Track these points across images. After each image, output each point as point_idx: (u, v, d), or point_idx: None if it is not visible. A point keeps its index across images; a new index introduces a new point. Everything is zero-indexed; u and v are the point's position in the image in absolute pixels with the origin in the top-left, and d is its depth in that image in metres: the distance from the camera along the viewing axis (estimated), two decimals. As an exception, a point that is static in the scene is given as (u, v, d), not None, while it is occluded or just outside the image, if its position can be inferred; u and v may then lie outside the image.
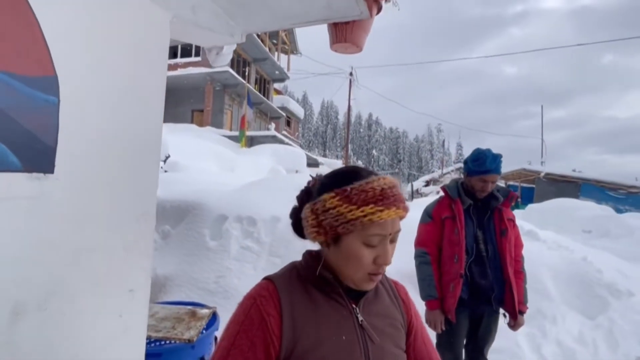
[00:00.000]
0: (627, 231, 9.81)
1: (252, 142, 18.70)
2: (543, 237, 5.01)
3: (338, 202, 0.76)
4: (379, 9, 2.02)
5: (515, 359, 2.99)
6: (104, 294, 1.32)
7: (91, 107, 1.26)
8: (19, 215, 1.05)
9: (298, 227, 0.87)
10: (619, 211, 13.52)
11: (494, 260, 2.19)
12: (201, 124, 19.88)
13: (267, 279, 0.84)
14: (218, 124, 20.52)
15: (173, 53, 20.57)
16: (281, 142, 20.02)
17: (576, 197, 16.75)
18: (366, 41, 2.24)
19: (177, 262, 3.71)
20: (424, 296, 2.23)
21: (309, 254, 0.87)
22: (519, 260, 2.30)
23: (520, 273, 2.28)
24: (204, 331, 1.96)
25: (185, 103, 20.97)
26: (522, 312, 2.22)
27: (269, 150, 15.76)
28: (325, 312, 0.79)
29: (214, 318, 2.11)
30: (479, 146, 2.34)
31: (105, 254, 1.33)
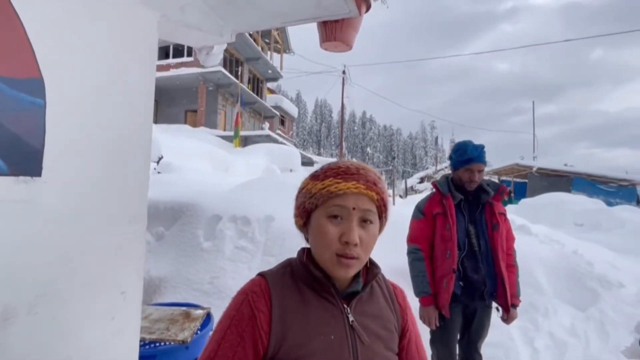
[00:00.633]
0: (618, 224, 9.98)
1: (246, 141, 18.67)
2: (535, 231, 5.05)
3: (307, 182, 0.85)
4: (368, 7, 2.02)
5: (509, 353, 3.01)
6: (95, 296, 1.31)
7: (79, 108, 1.25)
8: (7, 220, 1.04)
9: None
10: (609, 204, 13.70)
11: (486, 254, 2.20)
12: (195, 124, 19.80)
13: (261, 275, 0.85)
14: (212, 124, 20.45)
15: (165, 53, 20.46)
16: (275, 141, 20.00)
17: (568, 191, 16.94)
18: (356, 39, 2.24)
19: (171, 264, 3.70)
20: (418, 292, 2.23)
21: (302, 252, 0.87)
22: (510, 254, 2.32)
23: (512, 267, 2.30)
24: (198, 332, 1.96)
25: (178, 103, 20.87)
26: (514, 306, 2.23)
27: (263, 150, 15.73)
28: (316, 310, 0.79)
29: (208, 319, 2.11)
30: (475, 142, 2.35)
31: (95, 256, 1.32)
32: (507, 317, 2.23)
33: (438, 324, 2.19)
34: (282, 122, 32.62)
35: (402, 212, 4.63)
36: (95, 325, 1.32)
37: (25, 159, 1.07)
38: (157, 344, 1.84)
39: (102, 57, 1.34)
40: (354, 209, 0.78)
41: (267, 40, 26.53)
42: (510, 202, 17.07)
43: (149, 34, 1.59)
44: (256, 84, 26.29)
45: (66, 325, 1.20)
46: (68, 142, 1.20)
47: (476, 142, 2.32)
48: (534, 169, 19.96)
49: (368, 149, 79.20)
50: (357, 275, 0.84)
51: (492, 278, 2.19)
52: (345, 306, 0.81)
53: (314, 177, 0.84)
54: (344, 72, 23.92)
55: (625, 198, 18.95)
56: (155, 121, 18.10)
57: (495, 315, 2.30)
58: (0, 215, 1.02)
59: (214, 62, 2.45)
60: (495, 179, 21.47)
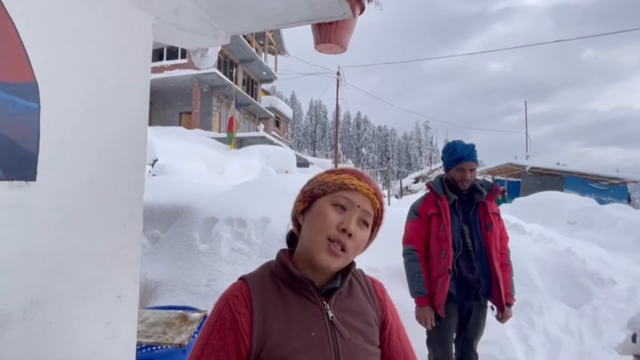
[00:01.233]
0: (610, 222, 10.14)
1: (241, 143, 18.63)
2: (529, 230, 5.09)
3: (322, 174, 0.91)
4: (362, 9, 2.03)
5: (504, 351, 3.03)
6: (90, 301, 1.31)
7: (73, 112, 1.24)
8: (1, 225, 1.03)
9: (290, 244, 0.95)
10: (601, 202, 13.90)
11: (480, 254, 2.22)
12: (189, 126, 19.74)
13: (241, 278, 0.87)
14: (207, 126, 20.39)
15: (159, 55, 20.38)
16: (270, 142, 19.97)
17: (561, 189, 17.11)
18: (350, 41, 2.25)
19: (167, 267, 3.68)
20: (413, 293, 2.25)
21: (282, 252, 0.89)
22: (504, 253, 2.34)
23: (506, 266, 2.32)
24: (195, 335, 1.95)
25: (172, 105, 20.79)
26: (509, 304, 2.25)
27: (258, 151, 15.73)
28: (296, 309, 0.81)
29: (205, 321, 2.10)
30: (465, 142, 2.37)
31: (91, 260, 1.32)
32: (502, 316, 2.25)
33: (434, 324, 2.20)
34: (277, 124, 32.60)
35: (397, 212, 4.66)
36: (91, 330, 1.31)
37: (19, 164, 1.07)
38: (154, 348, 1.83)
39: (96, 61, 1.33)
40: (358, 206, 0.84)
41: (261, 42, 26.51)
42: (504, 201, 17.20)
43: (143, 36, 1.58)
44: (251, 86, 26.26)
45: (62, 330, 1.19)
46: (62, 146, 1.20)
47: (470, 141, 2.35)
48: (527, 168, 20.17)
49: (363, 150, 79.33)
50: (335, 273, 0.87)
51: (487, 277, 2.21)
52: (325, 303, 0.84)
53: (330, 172, 0.91)
54: (338, 73, 23.96)
55: (616, 196, 19.20)
56: (150, 123, 18.02)
57: (491, 314, 2.31)
58: (-5, 220, 1.02)
59: (208, 65, 2.45)
60: (489, 179, 21.70)
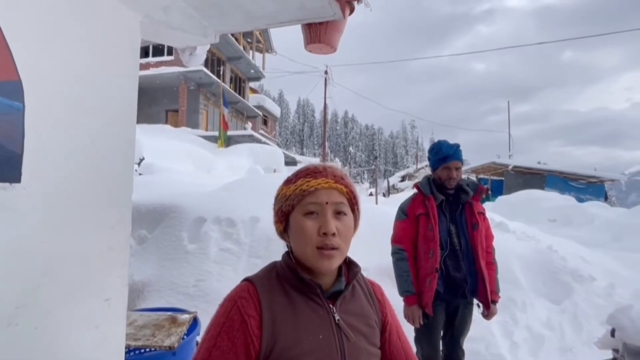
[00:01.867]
0: (588, 219, 10.51)
1: (229, 141, 18.46)
2: (512, 228, 5.20)
3: (282, 188, 0.91)
4: (352, 10, 2.03)
5: (489, 347, 3.09)
6: (78, 304, 1.28)
7: (59, 111, 1.21)
8: (-15, 228, 1.00)
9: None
10: (580, 200, 14.28)
11: (466, 253, 2.26)
12: (176, 124, 19.48)
13: (247, 280, 0.87)
14: (194, 124, 20.15)
15: (144, 52, 20.05)
16: (258, 141, 19.86)
17: (542, 188, 17.49)
18: (340, 41, 2.25)
19: (155, 268, 3.63)
20: (402, 292, 2.28)
21: (287, 255, 0.90)
22: (490, 251, 2.39)
23: (491, 264, 2.36)
24: (185, 337, 1.93)
25: (158, 103, 20.48)
26: (494, 302, 2.30)
27: (246, 150, 15.62)
28: (303, 312, 0.82)
29: (194, 323, 2.08)
30: (451, 141, 2.42)
31: (78, 263, 1.29)
32: (488, 313, 2.29)
33: (422, 322, 2.23)
34: (265, 122, 32.43)
35: (385, 211, 4.69)
36: (79, 334, 1.29)
37: (3, 165, 1.04)
38: (143, 351, 1.81)
39: (83, 59, 1.30)
40: (327, 203, 0.84)
41: (249, 40, 26.32)
42: (487, 199, 17.49)
43: (131, 34, 1.56)
44: (238, 84, 26.05)
45: (48, 335, 1.16)
46: (48, 146, 1.17)
47: (455, 141, 2.39)
48: (510, 167, 20.58)
49: (350, 149, 79.56)
50: (339, 275, 0.89)
51: (473, 275, 2.25)
52: (331, 306, 0.85)
53: (287, 182, 0.90)
54: (326, 72, 23.95)
55: (594, 194, 19.78)
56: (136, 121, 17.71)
57: (477, 311, 2.36)
58: (-22, 223, 0.99)
59: (197, 63, 2.42)
60: (473, 177, 22.09)
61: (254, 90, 31.87)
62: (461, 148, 2.35)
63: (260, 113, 29.36)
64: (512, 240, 4.73)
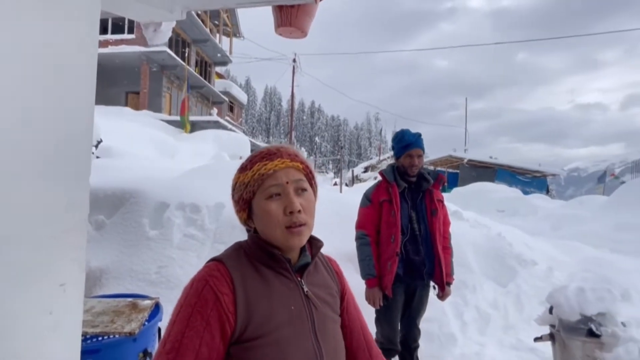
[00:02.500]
0: (532, 210, 11.49)
1: (194, 127, 17.92)
2: (466, 216, 5.48)
3: (237, 175, 0.91)
4: (325, -6, 2.02)
5: (442, 326, 3.29)
6: (29, 290, 1.20)
7: (10, 88, 1.12)
8: None
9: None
10: (525, 193, 15.36)
11: (425, 238, 2.37)
12: (137, 107, 18.63)
13: (215, 259, 0.86)
14: (156, 108, 19.36)
15: (103, 28, 18.89)
16: (224, 127, 19.42)
17: (492, 181, 18.57)
18: (310, 27, 2.23)
19: (113, 254, 3.48)
20: (364, 275, 2.35)
21: (254, 234, 0.91)
22: (446, 237, 2.52)
23: (447, 249, 2.50)
24: (146, 323, 1.88)
25: (118, 84, 19.47)
26: (449, 284, 2.44)
27: (212, 136, 15.25)
28: (275, 286, 0.85)
29: (157, 309, 2.03)
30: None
31: (30, 246, 1.21)
32: (442, 295, 2.43)
33: (382, 304, 2.32)
34: (231, 109, 31.73)
35: (348, 199, 4.76)
36: (30, 321, 1.21)
37: (-57, 138, 0.95)
38: (101, 338, 1.74)
39: (34, 30, 1.20)
40: (287, 182, 0.86)
41: (216, 22, 25.47)
42: (444, 190, 18.25)
43: (90, 5, 1.45)
44: (204, 68, 25.24)
45: (-3, 321, 1.09)
46: (-3, 120, 1.08)
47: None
48: (465, 161, 21.62)
49: (316, 139, 79.62)
50: (302, 250, 0.93)
51: (431, 259, 2.37)
52: (299, 279, 0.89)
53: (242, 169, 0.90)
54: (294, 60, 23.68)
55: (538, 187, 21.29)
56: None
57: (432, 293, 2.48)
58: None
59: (161, 41, 2.31)
60: (431, 169, 22.98)
61: (220, 76, 31.01)
62: (422, 137, 2.44)
63: (227, 99, 28.68)
64: (466, 227, 4.99)
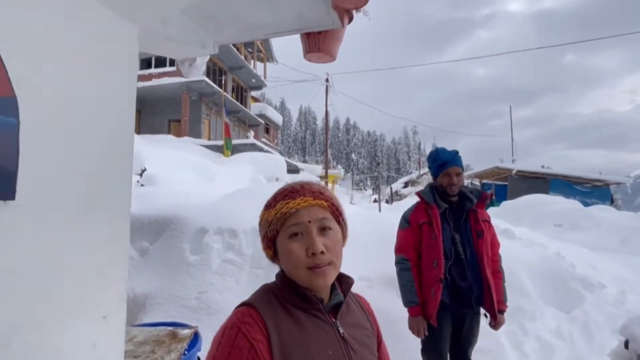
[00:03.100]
0: (594, 223, 10.30)
1: (232, 150, 18.51)
2: (518, 234, 5.13)
3: (263, 213, 0.90)
4: (351, 19, 2.02)
5: (498, 358, 3.03)
6: (74, 323, 1.25)
7: (55, 126, 1.20)
8: (-22, 247, 0.98)
9: None
10: (585, 204, 14.11)
11: (472, 262, 2.23)
12: (178, 134, 19.56)
13: (245, 304, 0.84)
14: (196, 134, 20.24)
15: (147, 63, 20.23)
16: (260, 149, 19.89)
17: (546, 192, 17.32)
18: (339, 50, 2.24)
19: (156, 280, 3.59)
20: (406, 302, 2.25)
21: (282, 274, 0.89)
22: (496, 260, 2.35)
23: (498, 272, 2.33)
24: (185, 352, 1.90)
25: (161, 113, 20.61)
26: (502, 311, 2.26)
27: (249, 159, 15.64)
28: (309, 328, 0.81)
29: (195, 338, 2.05)
30: (454, 147, 2.42)
31: (75, 280, 1.26)
32: (495, 323, 2.25)
33: (426, 334, 2.20)
34: (267, 130, 32.53)
35: (388, 218, 4.64)
36: (76, 354, 1.25)
37: (-3, 182, 1.02)
38: (143, 368, 1.77)
39: (79, 72, 1.29)
40: (309, 221, 0.83)
41: (250, 50, 26.51)
42: (492, 204, 17.38)
43: (129, 47, 1.54)
44: (240, 93, 26.19)
45: (43, 356, 1.13)
46: (44, 161, 1.15)
47: (457, 146, 2.44)
48: (514, 172, 20.46)
49: (353, 155, 79.60)
50: (333, 288, 0.89)
51: (479, 285, 2.22)
52: (334, 320, 0.85)
53: (267, 206, 0.89)
54: (327, 80, 24.03)
55: (600, 198, 19.54)
56: (138, 132, 17.85)
57: (484, 321, 2.31)
58: (-29, 242, 0.96)
59: (197, 74, 2.42)
60: (476, 182, 21.94)
61: (255, 99, 32.04)
62: (462, 153, 2.36)
63: (262, 121, 29.47)
64: (519, 247, 4.67)
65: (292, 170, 22.04)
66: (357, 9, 1.98)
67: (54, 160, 1.19)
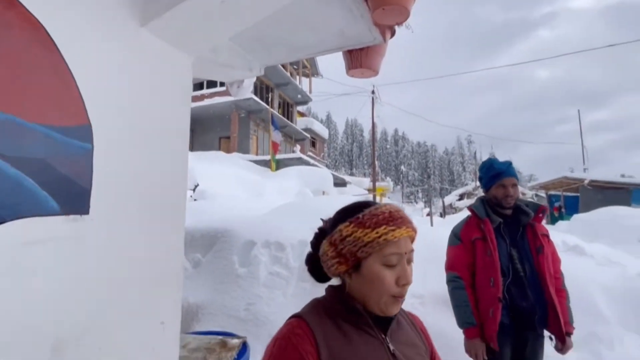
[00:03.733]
0: (689, 238, 9.06)
1: (278, 165, 19.00)
2: (590, 251, 4.67)
3: (354, 229, 0.84)
4: (393, 34, 2.05)
5: (569, 387, 2.78)
6: (137, 327, 1.36)
7: (121, 149, 1.34)
8: (58, 256, 1.11)
9: (314, 272, 0.94)
10: (677, 217, 12.42)
11: (532, 279, 2.07)
12: (228, 150, 20.46)
13: (296, 316, 0.86)
14: (244, 150, 21.05)
15: (200, 85, 21.50)
16: (307, 163, 20.22)
17: (627, 204, 15.45)
18: (382, 63, 2.26)
19: (208, 291, 3.77)
20: (461, 324, 2.13)
21: (332, 289, 0.90)
22: (558, 277, 2.18)
23: (561, 291, 2.15)
24: (235, 360, 1.98)
25: (212, 131, 21.71)
26: (569, 334, 2.08)
27: (295, 173, 15.93)
28: (358, 343, 0.81)
29: (244, 348, 2.13)
30: (513, 156, 2.30)
31: (137, 288, 1.38)
32: (562, 347, 2.07)
33: (486, 358, 2.05)
34: (313, 144, 33.00)
35: (440, 233, 4.47)
36: (137, 355, 1.37)
37: (74, 199, 1.16)
38: (196, 374, 1.87)
39: (142, 101, 1.43)
40: (405, 253, 0.84)
41: (295, 66, 27.26)
42: (561, 218, 15.99)
43: (184, 75, 1.69)
44: (286, 108, 26.91)
45: (110, 355, 1.25)
46: (112, 180, 1.29)
47: (519, 155, 2.40)
48: (586, 182, 18.51)
49: (402, 167, 78.25)
50: None
51: (542, 305, 2.05)
52: (384, 336, 0.84)
53: (362, 225, 0.83)
54: (373, 92, 24.03)
55: (693, 210, 17.15)
56: (191, 149, 18.87)
57: (550, 345, 2.14)
58: (53, 251, 1.10)
59: (244, 95, 2.56)
60: (542, 194, 20.04)
61: (301, 114, 32.71)
62: (524, 163, 2.30)
63: (309, 135, 29.98)
64: (591, 265, 4.22)
65: (339, 183, 22.10)
66: (399, 24, 2.01)
67: (121, 180, 1.33)
